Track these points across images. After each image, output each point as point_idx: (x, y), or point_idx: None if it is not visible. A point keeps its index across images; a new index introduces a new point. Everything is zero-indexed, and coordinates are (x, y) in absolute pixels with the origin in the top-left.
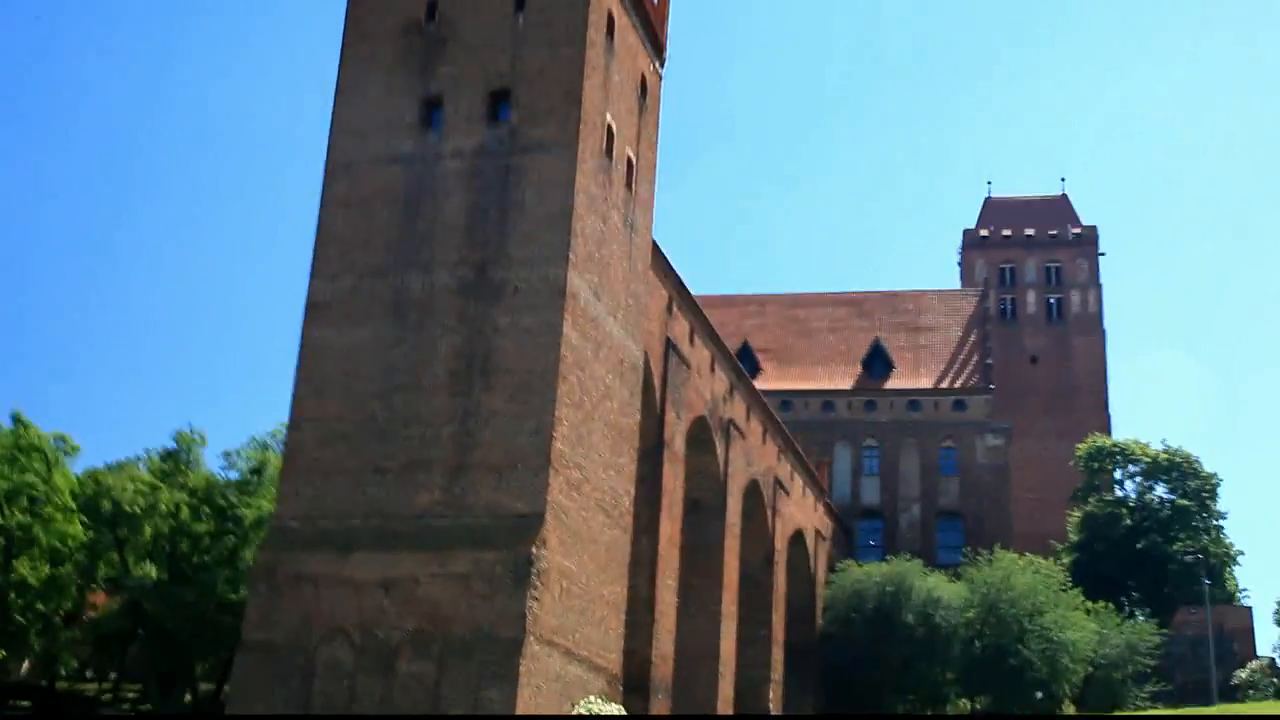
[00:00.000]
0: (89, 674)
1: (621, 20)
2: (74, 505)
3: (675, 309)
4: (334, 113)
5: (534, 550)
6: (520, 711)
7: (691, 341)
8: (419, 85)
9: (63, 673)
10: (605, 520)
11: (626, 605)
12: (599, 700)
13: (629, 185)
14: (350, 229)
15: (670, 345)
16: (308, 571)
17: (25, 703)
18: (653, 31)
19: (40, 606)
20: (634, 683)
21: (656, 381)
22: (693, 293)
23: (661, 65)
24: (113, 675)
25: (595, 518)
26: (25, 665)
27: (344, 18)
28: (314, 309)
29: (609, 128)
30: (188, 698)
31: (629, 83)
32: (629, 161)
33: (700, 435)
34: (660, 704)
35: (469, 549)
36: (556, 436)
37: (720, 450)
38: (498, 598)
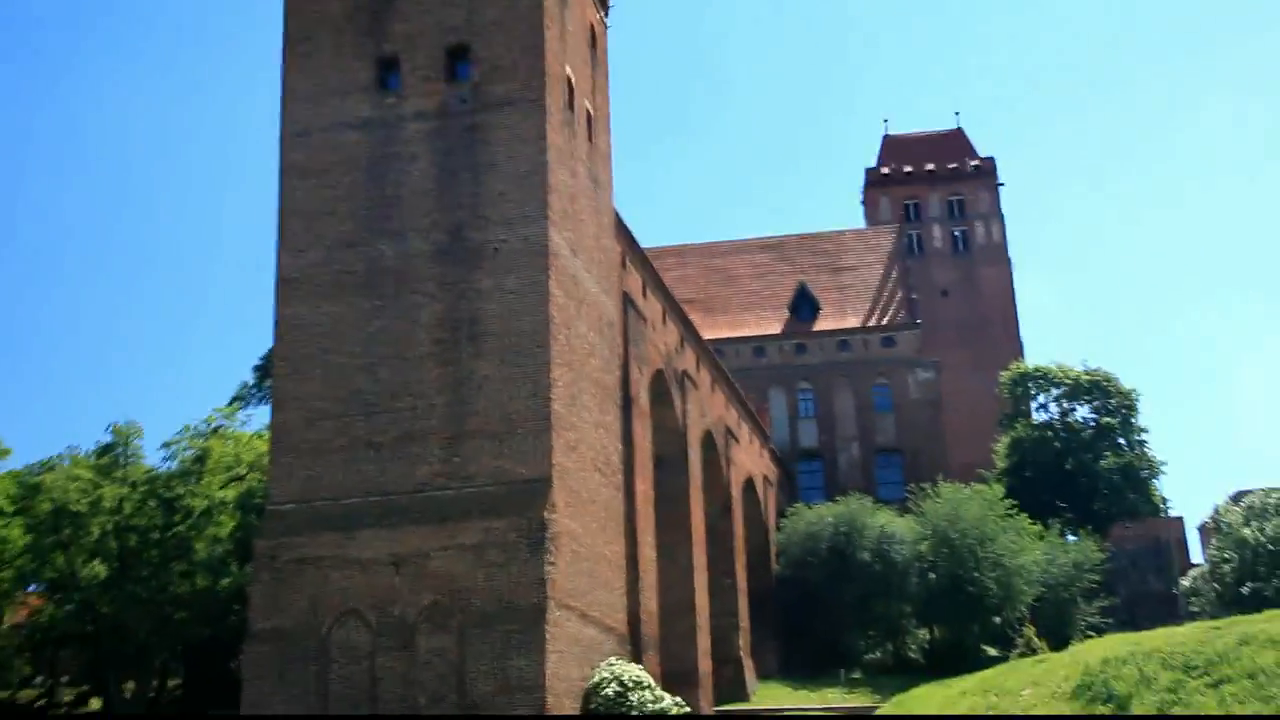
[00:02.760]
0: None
1: None
2: (12, 508)
3: (628, 263)
4: (283, 77)
5: (545, 514)
6: (549, 678)
7: (645, 295)
8: (371, 45)
9: (13, 681)
10: (601, 480)
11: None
12: (620, 662)
13: (589, 138)
14: (313, 200)
15: (628, 300)
16: (311, 554)
17: None
18: None
19: None
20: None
21: (618, 337)
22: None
23: (606, 14)
24: (39, 679)
25: (592, 478)
26: None
27: None
28: (285, 285)
29: (569, 80)
30: (150, 694)
31: (580, 34)
32: (587, 114)
33: (659, 389)
34: (651, 659)
35: (478, 518)
36: (554, 398)
37: (678, 402)
38: (513, 565)
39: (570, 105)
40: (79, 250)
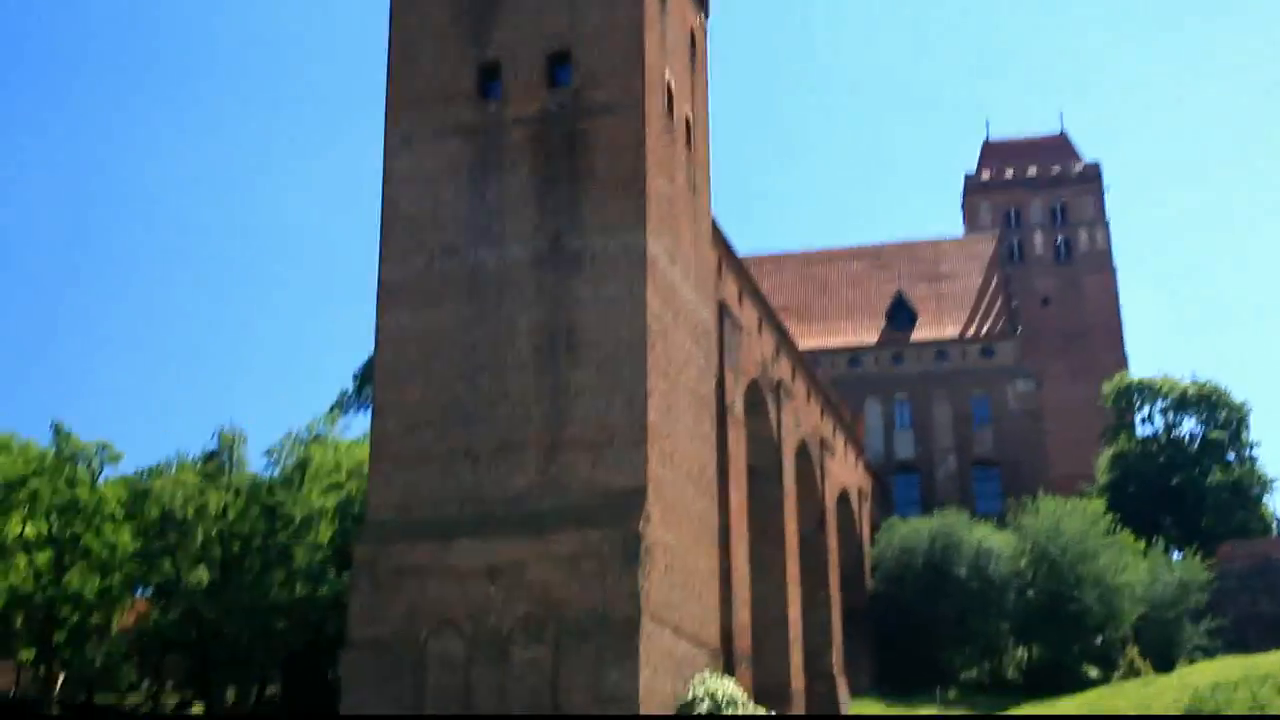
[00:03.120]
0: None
1: None
2: (121, 514)
3: (724, 271)
4: (387, 84)
5: (640, 526)
6: (642, 692)
7: (740, 303)
8: (474, 52)
9: (122, 686)
10: (694, 491)
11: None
12: (713, 677)
13: (688, 144)
14: (415, 206)
15: (723, 308)
16: (410, 563)
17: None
18: None
19: (94, 619)
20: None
21: (714, 346)
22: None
23: (706, 18)
24: (146, 683)
25: (686, 489)
26: (60, 679)
27: None
28: (387, 292)
29: (668, 86)
30: (251, 700)
31: (681, 39)
32: (686, 120)
33: (754, 399)
34: (743, 674)
35: (573, 529)
36: (650, 408)
37: (773, 412)
38: (608, 577)
39: (670, 111)
40: (188, 258)
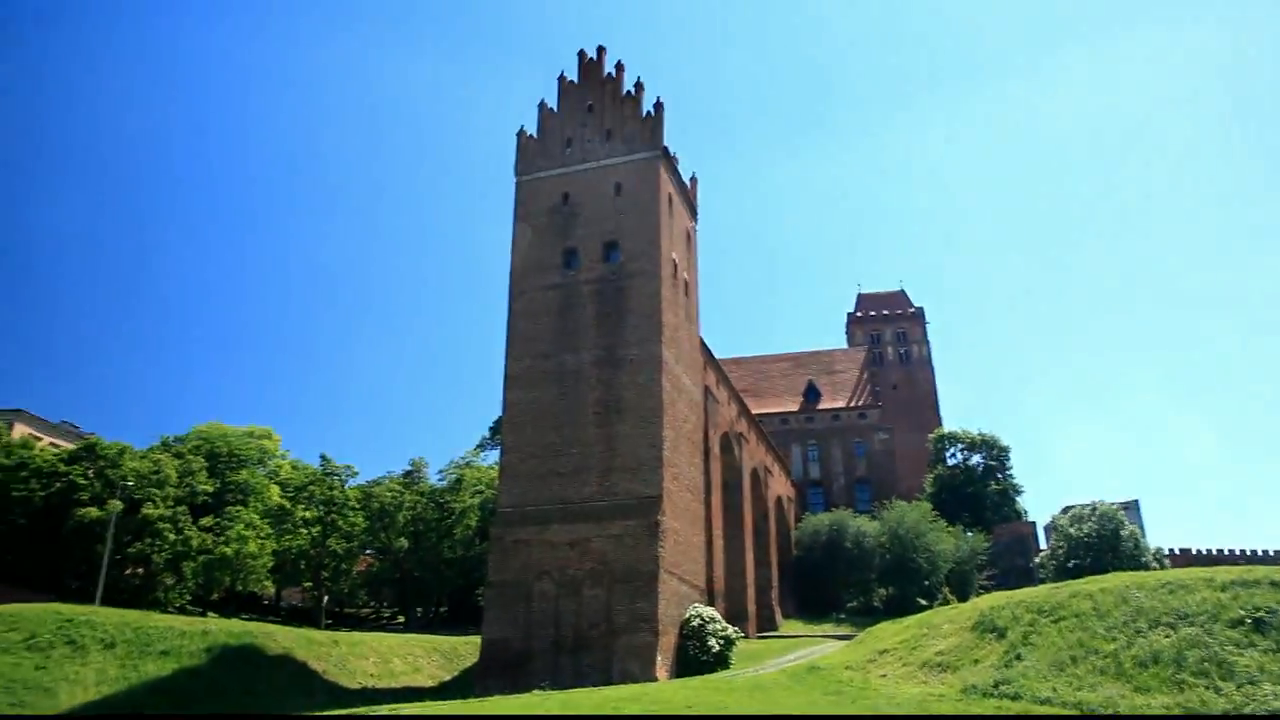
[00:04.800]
0: (359, 605)
1: (675, 198)
2: (357, 506)
3: (707, 367)
4: (511, 259)
5: (659, 519)
6: (660, 614)
7: (717, 386)
8: (562, 241)
9: (358, 605)
10: (690, 497)
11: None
12: (701, 606)
13: (686, 294)
14: (528, 329)
15: (707, 390)
16: (523, 538)
17: (329, 621)
18: (690, 203)
19: (343, 566)
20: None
21: (702, 412)
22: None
23: (695, 222)
24: (371, 604)
25: (685, 495)
26: (325, 599)
27: (514, 203)
28: (510, 380)
29: (674, 261)
30: (430, 615)
31: (681, 233)
32: (685, 281)
33: (725, 443)
34: (719, 605)
35: (619, 519)
36: (665, 448)
37: (737, 452)
38: (640, 547)
39: (675, 275)
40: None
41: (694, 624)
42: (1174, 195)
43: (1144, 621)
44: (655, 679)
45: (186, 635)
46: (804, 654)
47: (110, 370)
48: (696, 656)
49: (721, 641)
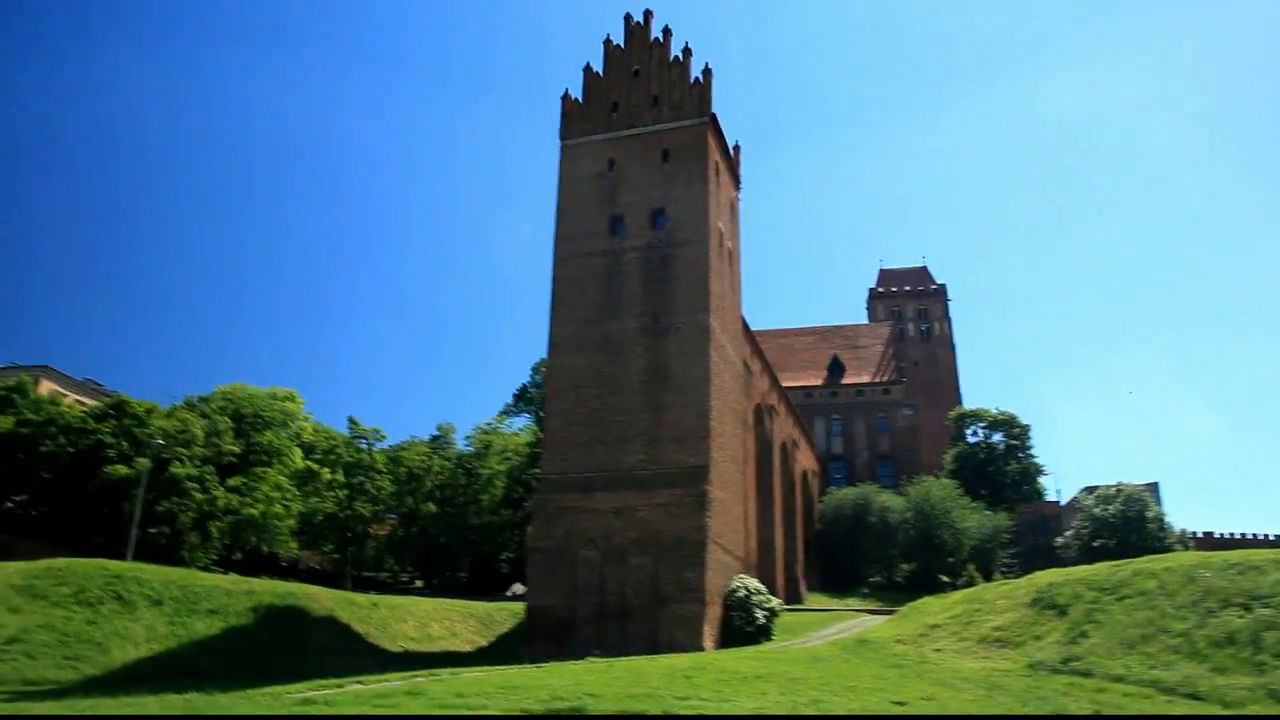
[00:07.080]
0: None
1: (721, 166)
2: (384, 470)
3: (744, 339)
4: (557, 227)
5: (706, 488)
6: (706, 584)
7: (751, 358)
8: (608, 208)
9: (383, 568)
10: (733, 468)
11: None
12: (744, 577)
13: (730, 265)
14: (573, 296)
15: (744, 363)
16: (567, 505)
17: (348, 583)
18: (735, 174)
19: (369, 530)
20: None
21: (743, 383)
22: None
23: (739, 193)
24: (394, 568)
25: (729, 466)
26: (349, 562)
27: (557, 170)
28: (554, 346)
29: (720, 230)
30: (452, 580)
31: (726, 203)
32: (729, 251)
33: (758, 415)
34: (752, 572)
35: (665, 488)
36: (711, 417)
37: (768, 424)
38: (687, 517)
39: (720, 245)
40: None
41: (739, 595)
42: (1204, 178)
43: (1214, 601)
44: (702, 649)
45: (232, 594)
46: (844, 627)
47: (133, 329)
48: (741, 628)
49: (766, 613)
